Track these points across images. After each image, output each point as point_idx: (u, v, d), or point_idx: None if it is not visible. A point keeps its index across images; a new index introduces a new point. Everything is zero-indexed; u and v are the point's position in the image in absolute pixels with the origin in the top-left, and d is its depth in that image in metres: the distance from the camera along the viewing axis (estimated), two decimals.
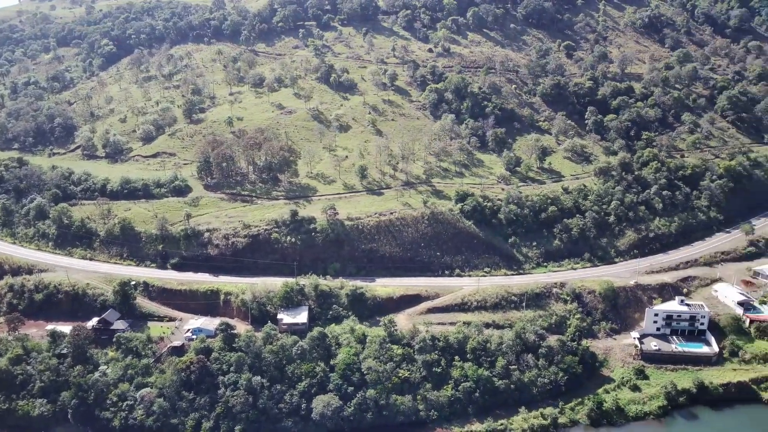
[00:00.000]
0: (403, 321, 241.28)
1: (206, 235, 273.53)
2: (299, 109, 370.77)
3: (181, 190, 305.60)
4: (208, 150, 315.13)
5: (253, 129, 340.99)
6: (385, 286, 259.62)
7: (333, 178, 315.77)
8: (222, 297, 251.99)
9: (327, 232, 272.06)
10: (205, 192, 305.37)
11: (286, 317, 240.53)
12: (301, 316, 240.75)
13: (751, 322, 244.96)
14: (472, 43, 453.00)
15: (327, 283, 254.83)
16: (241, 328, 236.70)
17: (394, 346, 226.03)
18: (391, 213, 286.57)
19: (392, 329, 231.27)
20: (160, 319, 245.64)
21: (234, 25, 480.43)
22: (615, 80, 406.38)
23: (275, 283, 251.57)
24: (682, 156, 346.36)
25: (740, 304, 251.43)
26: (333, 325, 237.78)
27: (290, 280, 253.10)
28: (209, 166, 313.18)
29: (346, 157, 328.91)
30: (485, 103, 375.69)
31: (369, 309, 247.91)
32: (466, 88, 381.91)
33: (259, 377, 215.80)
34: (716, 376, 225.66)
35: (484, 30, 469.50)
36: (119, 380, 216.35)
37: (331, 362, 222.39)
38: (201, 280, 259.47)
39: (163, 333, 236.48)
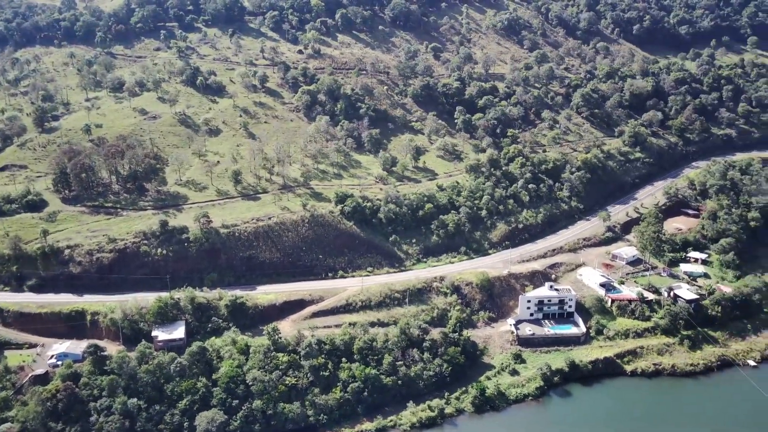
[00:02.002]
0: (287, 328, 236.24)
1: (67, 252, 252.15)
2: (164, 114, 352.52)
3: (36, 205, 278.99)
4: (65, 160, 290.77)
5: (114, 136, 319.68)
6: (266, 294, 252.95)
7: (205, 184, 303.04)
8: (89, 318, 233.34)
9: (201, 242, 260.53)
10: (64, 206, 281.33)
11: (161, 334, 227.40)
12: (178, 332, 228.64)
13: (613, 301, 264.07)
14: (342, 44, 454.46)
15: (204, 295, 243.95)
16: (113, 349, 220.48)
17: (279, 354, 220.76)
18: (269, 218, 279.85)
19: (276, 337, 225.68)
20: (19, 346, 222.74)
21: (87, 26, 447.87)
22: (480, 80, 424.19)
23: (147, 299, 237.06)
24: (544, 151, 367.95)
25: (602, 285, 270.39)
26: (213, 338, 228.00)
27: (164, 294, 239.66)
28: (66, 178, 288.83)
29: (218, 162, 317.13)
30: (359, 104, 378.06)
31: (251, 318, 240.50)
32: (339, 89, 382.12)
33: (135, 399, 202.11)
34: (585, 354, 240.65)
35: (354, 32, 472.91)
36: None
37: (214, 376, 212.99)
38: (63, 301, 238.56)
39: (23, 361, 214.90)
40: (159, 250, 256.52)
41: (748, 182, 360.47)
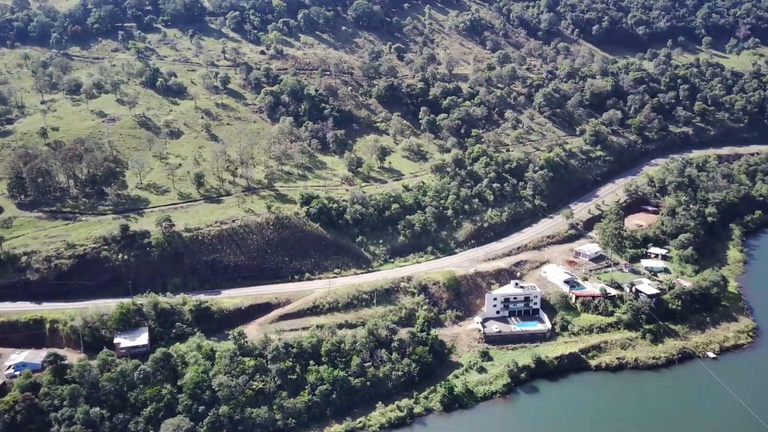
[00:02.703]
0: (253, 331, 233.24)
1: (24, 259, 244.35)
2: (124, 117, 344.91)
3: None
4: (20, 165, 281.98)
5: (71, 140, 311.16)
6: (232, 298, 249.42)
7: (166, 187, 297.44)
8: (48, 326, 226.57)
9: (163, 246, 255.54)
10: (20, 211, 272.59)
11: (123, 341, 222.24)
12: (141, 338, 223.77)
13: (577, 297, 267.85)
14: (305, 45, 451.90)
15: (167, 300, 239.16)
16: (73, 357, 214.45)
17: (246, 359, 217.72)
18: (233, 221, 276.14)
19: (242, 341, 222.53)
20: None
21: (42, 26, 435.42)
22: (444, 81, 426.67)
23: (109, 306, 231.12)
24: (508, 150, 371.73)
25: (566, 282, 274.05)
26: (178, 344, 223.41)
27: (126, 300, 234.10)
28: (22, 183, 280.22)
29: (180, 164, 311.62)
30: (323, 105, 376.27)
31: (216, 323, 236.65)
32: (302, 90, 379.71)
33: (97, 408, 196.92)
34: (551, 350, 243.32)
35: (317, 32, 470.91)
36: None
37: (179, 383, 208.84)
38: (21, 310, 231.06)
39: None
40: (120, 255, 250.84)
41: (704, 179, 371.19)
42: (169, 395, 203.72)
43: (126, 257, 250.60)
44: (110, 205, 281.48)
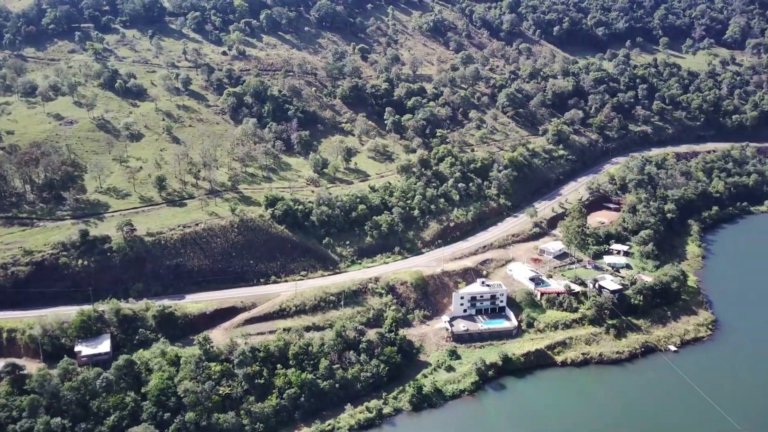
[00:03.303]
0: (219, 336, 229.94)
1: None
2: (82, 119, 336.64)
3: None
4: None
5: (27, 143, 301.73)
6: (196, 302, 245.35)
7: (127, 191, 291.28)
8: (5, 335, 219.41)
9: (125, 251, 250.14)
10: None
11: (85, 349, 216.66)
12: (103, 346, 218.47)
13: (542, 295, 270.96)
14: (267, 45, 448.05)
15: (130, 306, 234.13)
16: (33, 367, 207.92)
17: (212, 364, 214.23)
18: (197, 224, 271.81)
19: (208, 346, 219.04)
20: None
21: None
22: (408, 81, 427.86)
23: (69, 313, 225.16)
24: (473, 150, 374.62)
25: (531, 279, 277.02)
26: (141, 350, 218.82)
27: (87, 307, 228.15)
28: None
29: (141, 168, 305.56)
30: (287, 106, 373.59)
31: (180, 328, 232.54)
32: (265, 91, 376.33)
33: (58, 419, 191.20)
34: (517, 348, 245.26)
35: (279, 33, 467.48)
36: None
37: (143, 390, 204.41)
38: None
39: None
40: (80, 261, 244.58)
41: (663, 176, 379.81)
42: (133, 403, 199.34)
43: (86, 263, 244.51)
44: (69, 210, 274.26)
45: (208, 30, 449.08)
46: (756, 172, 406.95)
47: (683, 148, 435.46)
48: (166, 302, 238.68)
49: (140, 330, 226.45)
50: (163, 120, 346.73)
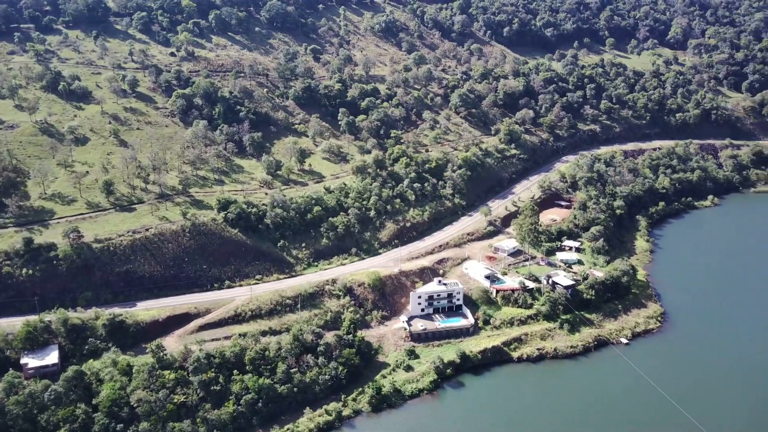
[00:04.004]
0: (173, 343, 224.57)
1: None
2: (23, 123, 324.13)
3: None
4: None
5: None
6: (148, 310, 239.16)
7: (73, 197, 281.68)
8: None
9: (72, 259, 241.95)
10: None
11: (31, 361, 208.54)
12: (51, 357, 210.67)
13: (497, 292, 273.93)
14: (217, 46, 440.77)
15: (78, 315, 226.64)
16: None
17: (166, 372, 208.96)
18: (147, 229, 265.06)
19: (161, 354, 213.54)
20: None
21: None
22: (361, 82, 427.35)
23: (14, 324, 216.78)
24: (427, 150, 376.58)
25: (487, 277, 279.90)
26: (91, 360, 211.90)
27: (32, 317, 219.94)
28: None
29: (87, 172, 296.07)
30: (238, 107, 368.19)
31: (132, 337, 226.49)
32: (216, 92, 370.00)
33: None
34: (474, 345, 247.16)
35: (229, 33, 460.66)
36: None
37: (94, 401, 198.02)
38: None
39: None
40: (24, 270, 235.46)
41: (612, 173, 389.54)
42: (84, 415, 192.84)
43: (31, 272, 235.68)
44: (11, 217, 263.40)
45: (155, 31, 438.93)
46: (699, 169, 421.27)
47: (630, 146, 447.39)
48: (117, 310, 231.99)
49: (90, 340, 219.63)
50: (110, 123, 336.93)
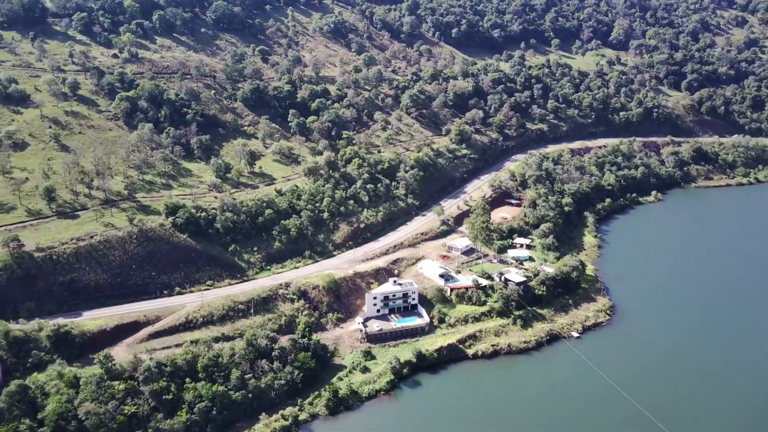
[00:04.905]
0: (122, 353, 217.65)
1: None
2: None
3: None
4: None
5: None
6: (95, 319, 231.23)
7: (12, 204, 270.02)
8: None
9: (12, 269, 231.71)
10: None
11: None
12: None
13: (452, 290, 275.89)
14: (162, 47, 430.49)
15: (20, 327, 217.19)
16: None
17: (115, 383, 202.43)
18: (91, 237, 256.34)
19: (110, 365, 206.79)
20: None
21: None
22: (311, 83, 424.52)
23: None
24: (379, 151, 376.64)
25: (441, 276, 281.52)
26: (35, 374, 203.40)
27: None
28: None
29: (27, 179, 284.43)
30: (185, 110, 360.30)
31: (79, 347, 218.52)
32: (161, 95, 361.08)
33: None
34: (430, 344, 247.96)
35: (174, 34, 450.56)
36: None
37: (39, 416, 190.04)
38: None
39: None
40: None
41: (560, 171, 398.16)
42: (28, 430, 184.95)
43: None
44: None
45: (97, 32, 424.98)
46: (643, 165, 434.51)
47: (577, 144, 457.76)
48: (62, 321, 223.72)
49: (33, 352, 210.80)
50: (50, 127, 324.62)
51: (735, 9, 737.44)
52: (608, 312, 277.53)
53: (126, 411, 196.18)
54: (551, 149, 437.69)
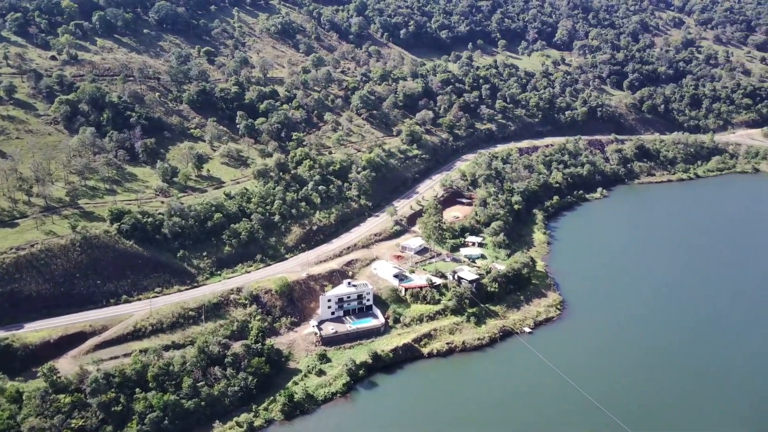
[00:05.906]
0: (67, 365, 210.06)
1: None
2: None
3: None
4: None
5: None
6: (38, 331, 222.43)
7: None
8: None
9: None
10: None
11: None
12: None
13: (406, 290, 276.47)
14: (103, 49, 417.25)
15: None
16: None
17: (61, 396, 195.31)
18: (32, 245, 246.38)
19: (54, 377, 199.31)
20: None
21: None
22: (259, 84, 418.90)
23: None
24: (330, 152, 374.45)
25: (395, 276, 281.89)
26: None
27: None
28: None
29: None
30: (128, 113, 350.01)
31: (21, 361, 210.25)
32: (103, 98, 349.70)
33: None
34: (386, 344, 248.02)
35: (115, 35, 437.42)
36: None
37: None
38: None
39: None
40: None
41: (509, 170, 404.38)
42: None
43: None
44: None
45: (33, 33, 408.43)
46: (588, 163, 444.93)
47: (525, 143, 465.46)
48: (2, 334, 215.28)
49: None
50: None
51: (672, 10, 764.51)
52: (559, 307, 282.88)
53: (73, 425, 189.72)
54: (500, 148, 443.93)
